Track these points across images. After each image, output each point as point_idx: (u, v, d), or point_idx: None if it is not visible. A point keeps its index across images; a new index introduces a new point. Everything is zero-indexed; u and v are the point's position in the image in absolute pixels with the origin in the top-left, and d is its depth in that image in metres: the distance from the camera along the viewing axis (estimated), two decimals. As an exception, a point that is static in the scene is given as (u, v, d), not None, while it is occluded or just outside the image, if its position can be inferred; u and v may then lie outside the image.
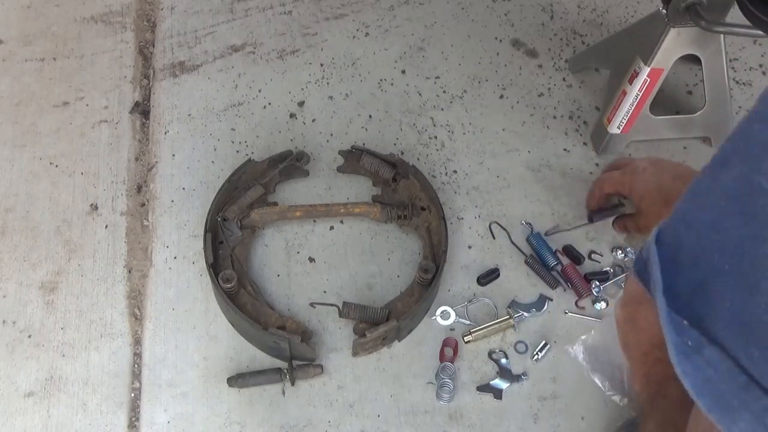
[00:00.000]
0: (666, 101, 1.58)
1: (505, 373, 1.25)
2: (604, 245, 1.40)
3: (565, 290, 1.34)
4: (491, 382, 1.25)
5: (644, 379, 0.78)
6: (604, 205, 1.37)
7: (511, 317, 1.30)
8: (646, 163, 1.23)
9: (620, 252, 1.38)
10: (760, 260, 0.49)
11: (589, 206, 1.37)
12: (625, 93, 1.42)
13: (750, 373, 0.52)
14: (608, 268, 1.36)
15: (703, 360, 0.55)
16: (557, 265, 1.36)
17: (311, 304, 1.31)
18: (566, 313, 1.32)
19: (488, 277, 1.35)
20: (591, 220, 1.38)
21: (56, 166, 1.48)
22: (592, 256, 1.38)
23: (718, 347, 0.54)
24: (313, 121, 1.57)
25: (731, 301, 0.52)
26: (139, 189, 1.46)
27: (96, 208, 1.43)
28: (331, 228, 1.42)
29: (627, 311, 0.84)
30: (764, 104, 0.51)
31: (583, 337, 1.26)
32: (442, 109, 1.60)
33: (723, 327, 0.53)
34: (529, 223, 1.42)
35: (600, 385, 1.22)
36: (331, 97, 1.60)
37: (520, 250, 1.39)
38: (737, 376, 0.52)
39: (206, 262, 1.28)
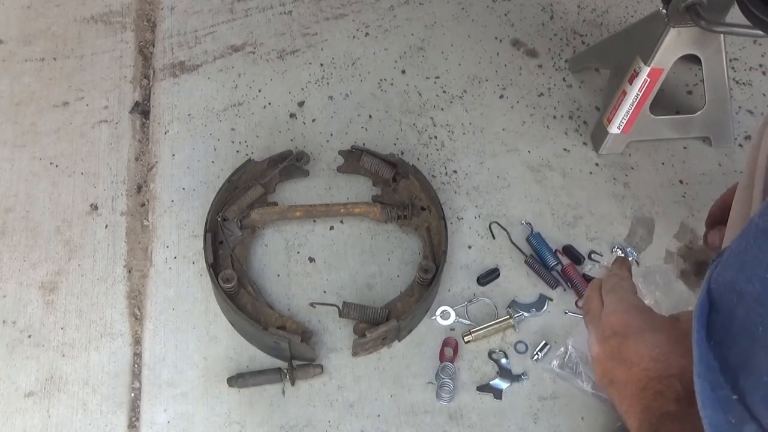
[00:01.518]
0: (666, 101, 1.58)
1: (505, 373, 1.25)
2: (604, 245, 1.40)
3: (565, 290, 1.34)
4: (491, 382, 1.25)
5: (644, 414, 0.76)
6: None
7: (511, 317, 1.30)
8: None
9: (620, 252, 1.38)
10: None
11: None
12: (625, 93, 1.42)
13: None
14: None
15: None
16: (557, 265, 1.36)
17: (311, 304, 1.31)
18: (566, 313, 1.32)
19: (488, 277, 1.35)
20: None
21: (56, 166, 1.48)
22: (592, 255, 1.38)
23: (756, 423, 0.54)
24: (313, 121, 1.57)
25: None
26: (139, 189, 1.46)
27: (96, 208, 1.43)
28: (331, 228, 1.42)
29: (610, 346, 0.81)
30: None
31: (558, 352, 1.25)
32: (442, 109, 1.60)
33: (760, 401, 0.53)
34: (529, 223, 1.42)
35: (589, 388, 1.22)
36: (331, 97, 1.60)
37: (520, 250, 1.39)
38: None
39: (206, 262, 1.28)
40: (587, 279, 1.34)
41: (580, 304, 1.32)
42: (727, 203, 1.02)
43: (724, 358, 0.57)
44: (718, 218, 1.12)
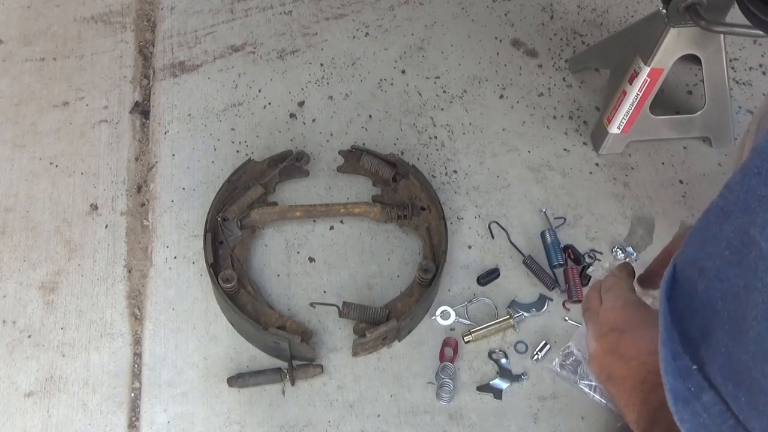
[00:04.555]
0: (666, 101, 1.58)
1: (505, 373, 1.25)
2: (604, 245, 1.40)
3: (563, 291, 1.34)
4: (491, 382, 1.25)
5: (643, 406, 0.77)
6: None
7: (511, 317, 1.30)
8: None
9: (620, 252, 1.38)
10: (750, 309, 0.52)
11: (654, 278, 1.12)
12: (625, 93, 1.42)
13: (737, 417, 0.55)
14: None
15: (701, 405, 0.57)
16: (561, 265, 1.35)
17: (311, 304, 1.31)
18: (565, 320, 1.31)
19: (488, 277, 1.35)
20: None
21: (56, 166, 1.48)
22: (593, 254, 1.38)
23: (713, 391, 0.57)
24: (313, 121, 1.57)
25: (725, 347, 0.55)
26: (139, 189, 1.46)
27: (96, 208, 1.43)
28: (331, 228, 1.42)
29: (608, 342, 0.82)
30: (761, 158, 0.54)
31: (561, 349, 1.25)
32: (442, 109, 1.60)
33: (718, 371, 0.56)
34: (544, 212, 1.42)
35: (588, 392, 1.22)
36: (331, 97, 1.60)
37: (518, 250, 1.39)
38: (727, 420, 0.55)
39: (206, 262, 1.28)
40: (585, 280, 1.34)
41: (568, 306, 1.32)
42: (669, 255, 1.00)
43: (684, 330, 0.61)
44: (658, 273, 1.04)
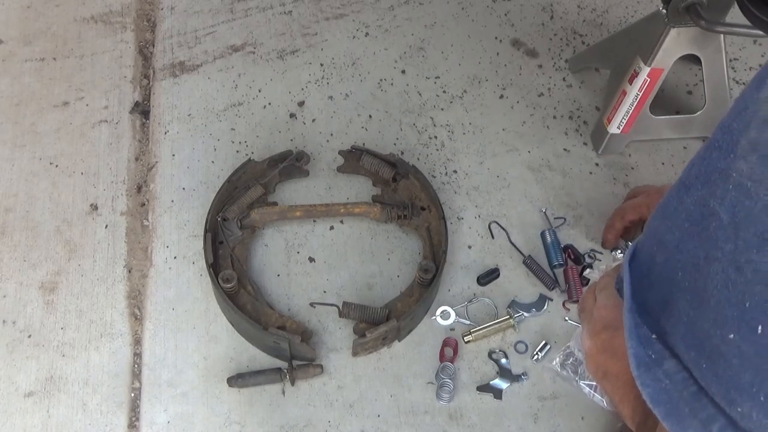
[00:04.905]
0: (666, 101, 1.58)
1: (505, 373, 1.25)
2: (604, 245, 1.40)
3: (563, 291, 1.34)
4: (491, 382, 1.25)
5: (637, 401, 0.78)
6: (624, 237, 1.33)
7: (511, 317, 1.30)
8: (668, 184, 1.22)
9: (620, 252, 1.38)
10: (710, 278, 0.53)
11: (608, 241, 1.35)
12: (625, 93, 1.42)
13: (699, 384, 0.56)
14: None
15: (662, 371, 0.59)
16: (561, 265, 1.35)
17: (311, 304, 1.31)
18: (565, 320, 1.31)
19: (488, 277, 1.35)
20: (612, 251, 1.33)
21: (56, 166, 1.48)
22: (593, 254, 1.38)
23: (676, 359, 0.59)
24: (313, 121, 1.57)
25: (687, 316, 0.57)
26: (139, 189, 1.46)
27: (96, 208, 1.43)
28: (331, 228, 1.42)
29: (601, 339, 0.83)
30: (722, 132, 0.55)
31: (562, 349, 1.25)
32: (442, 109, 1.60)
33: (680, 340, 0.58)
34: (544, 212, 1.42)
35: (588, 392, 1.22)
36: (331, 97, 1.60)
37: (518, 250, 1.39)
38: (689, 386, 0.57)
39: (206, 262, 1.28)
40: (585, 280, 1.34)
41: (568, 306, 1.32)
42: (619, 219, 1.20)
43: (643, 301, 0.63)
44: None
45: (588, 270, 1.36)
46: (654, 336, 0.61)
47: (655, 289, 0.62)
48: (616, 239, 1.33)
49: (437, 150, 1.53)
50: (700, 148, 0.60)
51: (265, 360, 1.26)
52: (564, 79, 1.65)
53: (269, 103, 1.59)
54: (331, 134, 1.55)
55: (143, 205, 1.44)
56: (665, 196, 0.63)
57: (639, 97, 1.41)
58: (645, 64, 1.36)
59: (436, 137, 1.55)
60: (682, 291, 0.57)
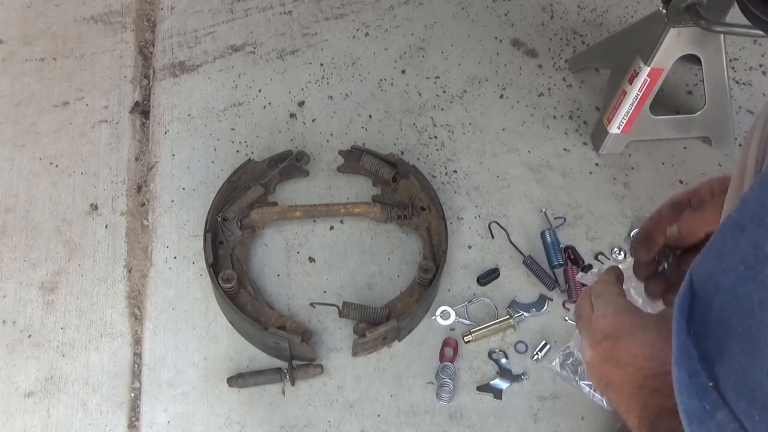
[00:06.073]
0: (666, 101, 1.58)
1: (505, 373, 1.25)
2: (604, 245, 1.40)
3: (563, 291, 1.34)
4: (491, 382, 1.25)
5: (643, 411, 0.78)
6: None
7: (511, 317, 1.30)
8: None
9: (620, 252, 1.38)
10: (764, 325, 0.52)
11: (642, 262, 1.00)
12: (625, 93, 1.42)
13: None
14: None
15: (714, 423, 0.57)
16: (561, 265, 1.35)
17: (311, 304, 1.31)
18: (565, 320, 1.31)
19: (488, 277, 1.35)
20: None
21: (56, 166, 1.48)
22: (598, 257, 1.38)
23: (727, 409, 0.56)
24: (313, 121, 1.57)
25: (739, 364, 0.55)
26: (139, 189, 1.46)
27: (96, 208, 1.43)
28: (331, 228, 1.42)
29: (602, 349, 0.82)
30: None
31: (561, 349, 1.25)
32: (442, 109, 1.60)
33: (731, 389, 0.56)
34: (544, 212, 1.42)
35: (588, 392, 1.21)
36: (331, 97, 1.60)
37: (518, 250, 1.39)
38: None
39: (206, 262, 1.28)
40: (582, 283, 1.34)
41: (568, 306, 1.32)
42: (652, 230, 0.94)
43: (702, 347, 0.60)
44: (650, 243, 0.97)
45: (581, 274, 1.35)
46: (711, 384, 0.58)
47: (713, 334, 0.60)
48: (650, 257, 0.99)
49: (437, 150, 1.53)
50: (753, 185, 0.57)
51: (265, 360, 1.26)
52: (564, 79, 1.65)
53: (269, 103, 1.59)
54: (331, 134, 1.55)
55: (143, 205, 1.44)
56: (717, 235, 0.61)
57: (639, 97, 1.41)
58: (645, 64, 1.36)
59: (436, 137, 1.55)
60: (736, 337, 0.56)
